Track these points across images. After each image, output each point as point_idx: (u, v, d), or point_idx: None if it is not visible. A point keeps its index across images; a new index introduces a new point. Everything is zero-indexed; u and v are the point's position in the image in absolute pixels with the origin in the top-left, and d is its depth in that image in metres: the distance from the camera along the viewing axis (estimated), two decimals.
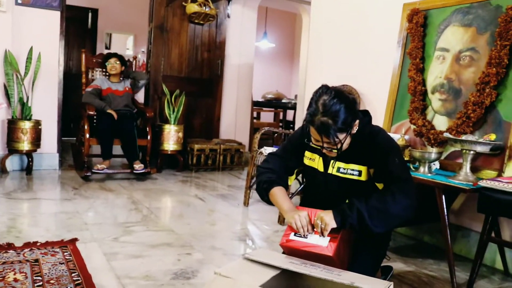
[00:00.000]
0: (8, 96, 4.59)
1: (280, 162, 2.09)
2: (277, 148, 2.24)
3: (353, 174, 1.93)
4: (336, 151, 1.85)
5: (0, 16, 4.55)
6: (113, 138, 4.67)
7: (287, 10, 8.68)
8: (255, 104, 7.57)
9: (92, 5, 7.52)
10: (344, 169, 1.94)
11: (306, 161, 2.06)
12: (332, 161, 1.96)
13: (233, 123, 6.24)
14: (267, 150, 3.74)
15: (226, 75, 6.10)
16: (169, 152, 5.23)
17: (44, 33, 4.83)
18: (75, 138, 5.32)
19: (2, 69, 4.57)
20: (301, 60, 7.00)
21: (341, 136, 1.81)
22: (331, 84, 1.89)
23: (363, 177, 1.92)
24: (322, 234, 1.81)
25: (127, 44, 8.51)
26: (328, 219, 1.80)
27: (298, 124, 6.50)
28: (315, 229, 1.85)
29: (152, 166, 4.93)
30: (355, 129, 1.87)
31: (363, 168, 1.92)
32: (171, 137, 5.17)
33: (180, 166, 5.38)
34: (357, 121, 1.87)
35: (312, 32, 4.41)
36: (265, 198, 2.04)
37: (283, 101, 8.25)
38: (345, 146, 1.87)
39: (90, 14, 7.57)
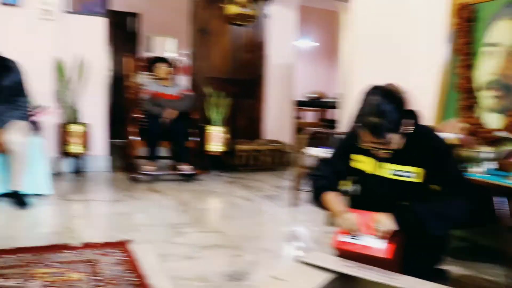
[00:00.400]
0: (59, 101, 4.75)
1: (331, 167, 2.10)
2: (323, 149, 2.26)
3: (408, 176, 1.90)
4: (387, 151, 1.84)
5: (49, 24, 4.71)
6: (161, 140, 4.78)
7: (327, 8, 8.60)
8: (297, 103, 7.54)
9: (133, 10, 7.67)
10: (397, 170, 1.92)
11: (355, 164, 2.04)
12: (382, 163, 1.94)
13: (276, 123, 6.24)
14: (313, 151, 3.73)
15: (268, 76, 6.10)
16: (214, 153, 5.28)
17: (91, 39, 4.98)
18: (123, 140, 5.45)
19: (54, 76, 4.73)
20: (342, 58, 6.94)
21: (392, 136, 1.80)
22: (376, 83, 1.89)
23: (418, 179, 1.89)
24: (380, 237, 1.80)
25: (169, 47, 8.65)
26: (388, 222, 1.79)
27: (342, 123, 6.44)
28: (368, 231, 1.83)
29: (198, 167, 4.99)
30: (406, 129, 1.85)
31: (418, 170, 1.89)
32: (216, 138, 5.22)
33: (225, 167, 5.42)
34: (408, 121, 1.85)
35: (354, 31, 4.37)
36: (319, 205, 2.05)
37: (325, 100, 8.20)
38: (396, 145, 1.85)
39: (130, 18, 7.75)
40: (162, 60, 5.09)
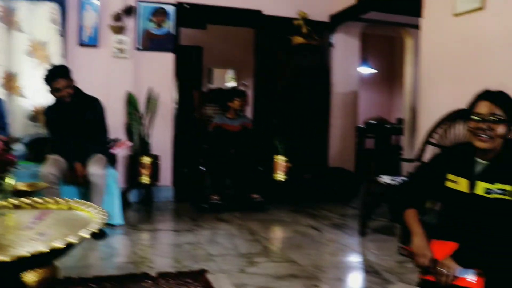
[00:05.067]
0: (130, 134, 4.95)
1: (419, 184, 2.09)
2: (391, 176, 2.26)
3: (502, 194, 1.83)
4: (486, 138, 1.85)
5: (123, 62, 5.02)
6: (226, 171, 4.86)
7: (386, 34, 8.55)
8: (358, 130, 7.45)
9: (198, 44, 7.94)
10: (491, 189, 1.85)
11: (449, 184, 1.98)
12: (476, 181, 1.89)
13: (340, 151, 6.19)
14: (384, 178, 3.66)
15: (332, 104, 6.09)
16: (279, 182, 5.28)
17: (160, 74, 5.21)
18: (189, 171, 5.57)
19: (125, 110, 4.97)
20: (405, 84, 6.84)
21: (501, 126, 1.84)
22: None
23: (510, 197, 1.82)
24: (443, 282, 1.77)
25: (228, 78, 8.88)
26: (452, 267, 1.77)
27: (407, 149, 6.32)
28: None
29: (265, 197, 4.98)
30: (510, 134, 1.88)
31: (510, 187, 1.82)
32: (281, 167, 5.23)
33: (290, 196, 5.39)
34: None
35: (422, 57, 4.31)
36: (398, 218, 2.05)
37: (387, 126, 8.08)
38: (496, 143, 1.86)
39: (195, 52, 8.01)
40: (240, 94, 5.19)
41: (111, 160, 4.13)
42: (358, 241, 3.79)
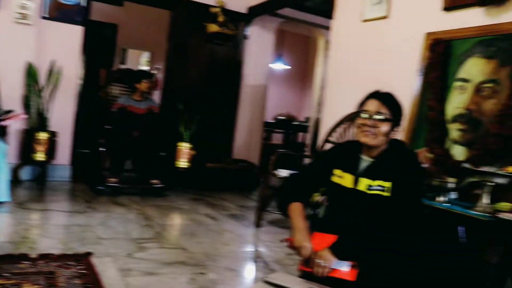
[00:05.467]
0: (26, 107, 4.64)
1: (307, 178, 2.13)
2: (291, 171, 2.32)
3: (381, 190, 1.94)
4: (371, 135, 1.94)
5: (25, 29, 4.67)
6: (128, 153, 4.72)
7: (302, 33, 8.75)
8: (266, 125, 7.57)
9: (112, 21, 7.64)
10: (372, 185, 1.95)
11: (335, 179, 2.06)
12: (360, 178, 1.97)
13: (245, 143, 6.25)
14: (282, 172, 3.74)
15: (242, 96, 6.13)
16: (181, 170, 5.22)
17: (65, 47, 4.92)
18: (89, 151, 5.36)
19: (24, 81, 4.65)
20: (315, 83, 7.03)
21: (386, 125, 1.94)
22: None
23: (388, 193, 1.93)
24: (319, 273, 1.83)
25: (143, 60, 8.61)
26: (328, 259, 1.83)
27: (312, 146, 6.51)
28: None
29: (165, 183, 4.91)
30: (393, 134, 1.99)
31: (389, 184, 1.94)
32: (184, 155, 5.17)
33: (192, 184, 5.36)
34: (398, 128, 2.01)
35: (330, 58, 4.45)
36: (284, 210, 2.09)
37: (294, 123, 8.30)
38: (379, 140, 1.95)
39: (109, 30, 7.70)
40: (148, 76, 5.05)
41: (1, 133, 3.85)
42: (253, 232, 3.84)
